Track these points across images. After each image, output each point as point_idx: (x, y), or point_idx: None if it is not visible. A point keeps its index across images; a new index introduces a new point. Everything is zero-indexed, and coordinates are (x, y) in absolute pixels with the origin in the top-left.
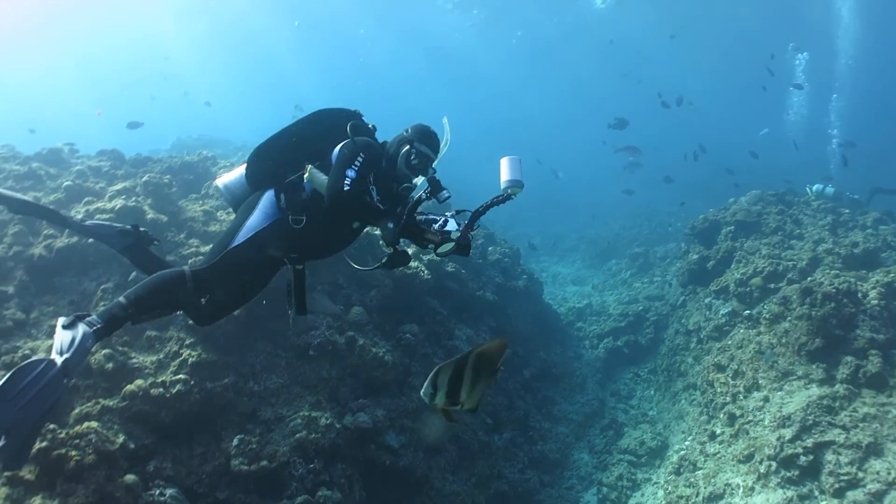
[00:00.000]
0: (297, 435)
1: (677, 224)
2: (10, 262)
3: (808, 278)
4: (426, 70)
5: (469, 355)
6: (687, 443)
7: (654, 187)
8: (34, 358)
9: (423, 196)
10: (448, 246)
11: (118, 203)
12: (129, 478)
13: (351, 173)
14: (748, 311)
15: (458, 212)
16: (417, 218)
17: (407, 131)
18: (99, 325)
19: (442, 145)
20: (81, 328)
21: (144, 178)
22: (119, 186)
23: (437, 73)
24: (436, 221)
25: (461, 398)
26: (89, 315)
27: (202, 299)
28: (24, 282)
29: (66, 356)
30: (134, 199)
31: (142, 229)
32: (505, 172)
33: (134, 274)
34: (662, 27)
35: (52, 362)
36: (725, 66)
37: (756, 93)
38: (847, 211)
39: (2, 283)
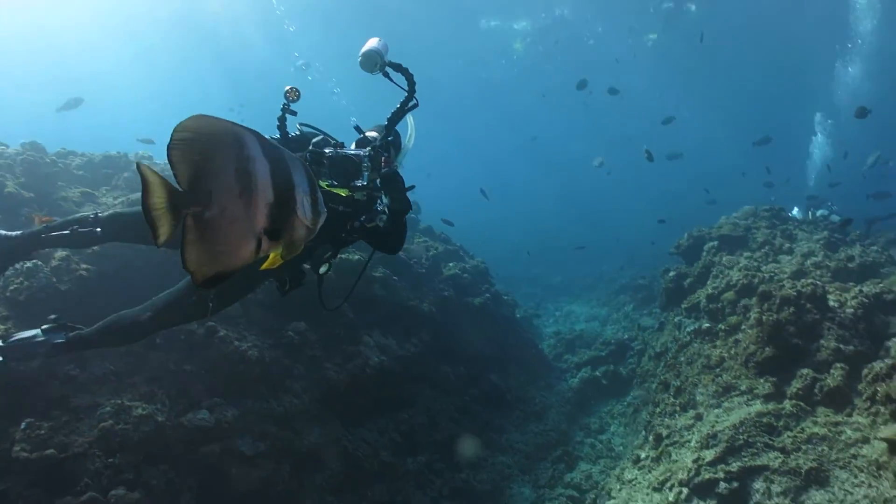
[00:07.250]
0: (102, 424)
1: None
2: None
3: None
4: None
5: None
6: (613, 471)
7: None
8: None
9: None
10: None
11: None
12: None
13: None
14: (707, 325)
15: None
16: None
17: None
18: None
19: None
20: (46, 336)
21: (24, 157)
22: None
23: None
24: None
25: None
26: (76, 329)
27: None
28: None
29: (6, 343)
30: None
31: None
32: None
33: None
34: None
35: None
36: None
37: None
38: (858, 232)
39: None
